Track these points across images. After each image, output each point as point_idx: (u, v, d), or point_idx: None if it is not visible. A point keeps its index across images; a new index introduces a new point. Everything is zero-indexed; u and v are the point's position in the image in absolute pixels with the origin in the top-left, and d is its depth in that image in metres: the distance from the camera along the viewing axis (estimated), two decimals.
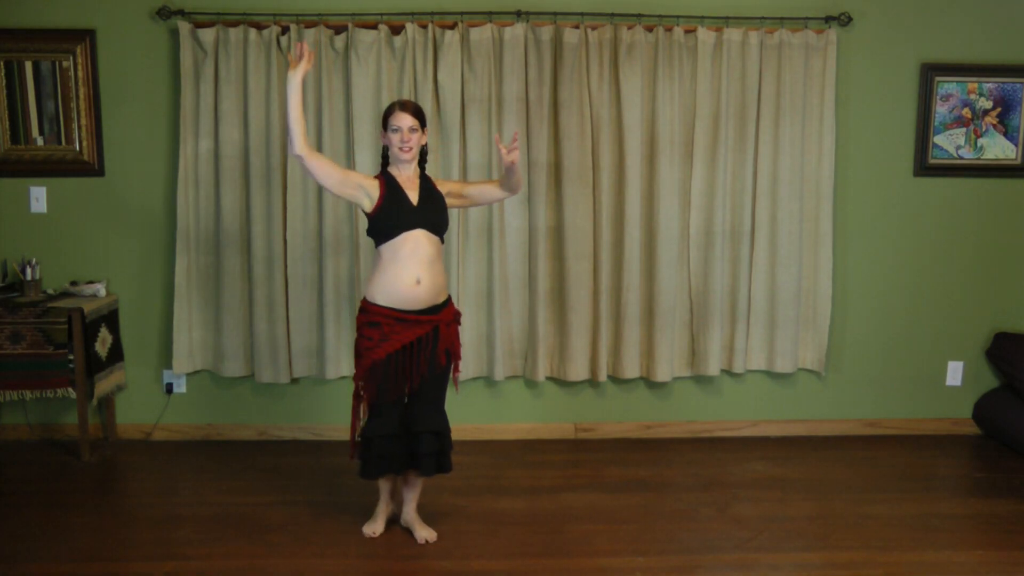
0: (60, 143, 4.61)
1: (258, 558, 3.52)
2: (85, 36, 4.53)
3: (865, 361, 4.93)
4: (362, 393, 3.52)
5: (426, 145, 3.57)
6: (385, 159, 3.54)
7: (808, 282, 4.77)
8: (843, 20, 4.61)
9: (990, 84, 4.75)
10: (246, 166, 4.53)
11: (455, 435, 3.68)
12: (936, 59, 4.73)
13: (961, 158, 4.80)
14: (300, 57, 3.35)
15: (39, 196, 4.65)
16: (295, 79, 3.31)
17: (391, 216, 3.42)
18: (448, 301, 3.55)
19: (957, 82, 4.73)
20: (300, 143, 3.35)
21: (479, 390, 4.79)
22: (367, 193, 3.44)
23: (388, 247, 3.43)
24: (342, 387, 4.79)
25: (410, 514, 3.69)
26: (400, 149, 3.44)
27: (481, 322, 4.66)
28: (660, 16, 4.53)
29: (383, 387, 3.45)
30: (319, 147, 4.50)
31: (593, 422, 4.89)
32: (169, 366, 4.74)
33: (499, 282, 4.62)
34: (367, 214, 3.46)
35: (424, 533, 3.65)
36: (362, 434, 3.53)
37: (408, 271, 3.40)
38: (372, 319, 3.43)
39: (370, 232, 3.49)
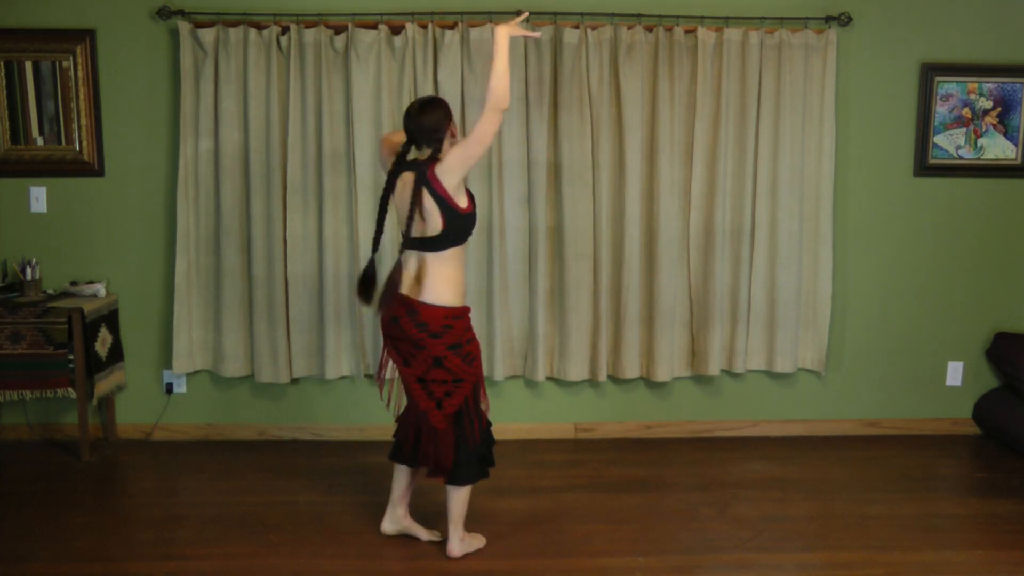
0: (60, 143, 4.61)
1: (258, 558, 3.52)
2: (85, 36, 4.53)
3: (865, 361, 4.93)
4: (470, 402, 3.44)
5: None
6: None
7: (808, 282, 4.77)
8: (843, 20, 4.61)
9: (990, 84, 4.75)
10: (246, 166, 4.53)
11: None
12: (936, 59, 4.73)
13: (961, 158, 4.80)
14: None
15: (39, 196, 4.65)
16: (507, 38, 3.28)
17: (474, 219, 3.40)
18: None
19: (957, 82, 4.73)
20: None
21: None
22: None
23: (457, 251, 3.35)
24: (342, 387, 4.80)
25: (408, 516, 3.70)
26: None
27: (481, 322, 4.66)
28: (660, 16, 4.53)
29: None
30: (319, 148, 4.51)
31: (593, 422, 4.89)
32: (169, 366, 4.74)
33: (499, 282, 4.62)
34: (460, 210, 3.30)
35: (427, 534, 3.67)
36: (485, 429, 3.51)
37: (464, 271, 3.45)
38: (468, 323, 3.42)
39: (454, 231, 3.30)
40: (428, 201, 3.26)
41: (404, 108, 4.44)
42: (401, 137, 3.52)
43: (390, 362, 3.50)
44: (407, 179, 3.33)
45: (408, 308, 3.32)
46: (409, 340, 3.33)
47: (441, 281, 3.31)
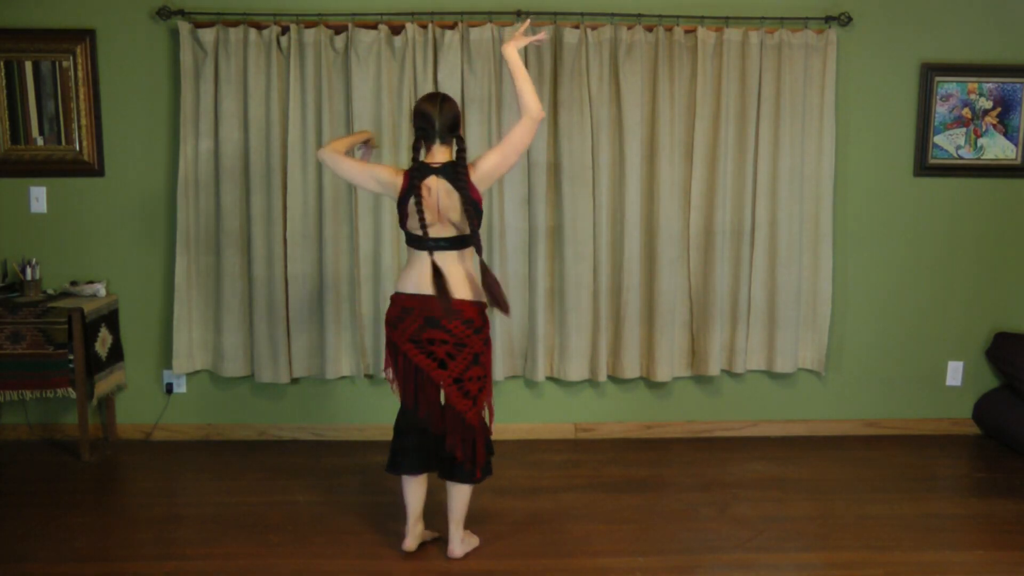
0: (60, 143, 4.61)
1: (258, 558, 3.52)
2: (85, 36, 4.53)
3: (865, 361, 4.93)
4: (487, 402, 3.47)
5: None
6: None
7: (808, 282, 4.77)
8: (843, 20, 4.61)
9: (990, 84, 4.75)
10: (246, 166, 4.53)
11: None
12: (936, 59, 4.73)
13: (961, 158, 4.80)
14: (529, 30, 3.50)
15: (39, 196, 4.65)
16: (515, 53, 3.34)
17: None
18: None
19: (957, 82, 4.73)
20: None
21: None
22: None
23: (473, 248, 3.42)
24: (342, 387, 4.80)
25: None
26: None
27: None
28: (660, 16, 4.53)
29: None
30: (319, 148, 4.50)
31: (593, 422, 4.89)
32: (169, 366, 4.74)
33: (499, 282, 4.61)
34: (478, 204, 3.35)
35: (430, 535, 3.67)
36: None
37: None
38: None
39: (478, 228, 3.40)
40: (466, 205, 3.31)
41: (404, 108, 4.45)
42: (344, 144, 3.52)
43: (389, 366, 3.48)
44: (433, 184, 3.30)
45: (447, 307, 3.32)
46: (452, 340, 3.32)
47: (474, 278, 3.39)
